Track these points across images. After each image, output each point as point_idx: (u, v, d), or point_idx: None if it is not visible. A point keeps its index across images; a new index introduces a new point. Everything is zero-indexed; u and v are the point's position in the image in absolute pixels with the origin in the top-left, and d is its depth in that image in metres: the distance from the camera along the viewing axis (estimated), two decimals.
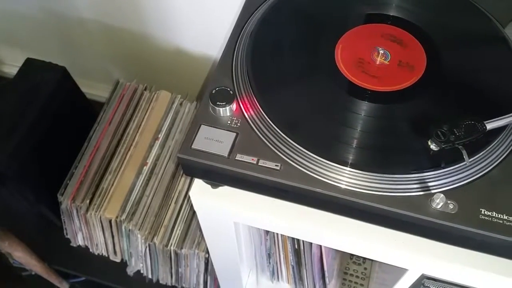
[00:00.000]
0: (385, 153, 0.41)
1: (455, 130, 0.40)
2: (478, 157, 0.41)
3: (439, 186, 0.40)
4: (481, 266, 0.43)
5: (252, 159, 0.42)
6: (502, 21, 0.50)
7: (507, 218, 0.38)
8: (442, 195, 0.39)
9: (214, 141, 0.43)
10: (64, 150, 0.89)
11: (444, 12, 0.51)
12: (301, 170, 0.41)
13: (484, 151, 0.41)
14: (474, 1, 0.52)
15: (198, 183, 0.49)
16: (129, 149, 0.85)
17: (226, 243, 0.60)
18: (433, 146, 0.40)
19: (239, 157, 0.42)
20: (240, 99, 0.45)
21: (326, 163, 0.41)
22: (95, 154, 0.86)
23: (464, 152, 0.39)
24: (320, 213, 0.45)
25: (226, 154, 0.42)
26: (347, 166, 0.40)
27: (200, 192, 0.48)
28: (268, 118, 0.43)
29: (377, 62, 0.47)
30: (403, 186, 0.40)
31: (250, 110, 0.44)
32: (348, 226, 0.45)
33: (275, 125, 0.43)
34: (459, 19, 0.51)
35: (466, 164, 0.40)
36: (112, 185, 0.83)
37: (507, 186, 0.40)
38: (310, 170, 0.41)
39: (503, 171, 0.41)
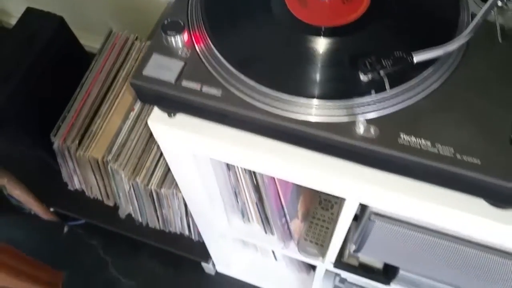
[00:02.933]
0: (317, 81, 0.44)
1: (383, 60, 0.42)
2: (405, 87, 0.43)
3: (364, 112, 0.43)
4: (418, 195, 0.46)
5: (197, 86, 0.45)
6: None
7: (425, 143, 0.41)
8: (364, 120, 0.42)
9: (164, 69, 0.46)
10: (59, 96, 0.94)
11: None
12: (240, 97, 0.44)
13: (412, 81, 0.43)
14: None
15: (156, 113, 0.53)
16: (117, 96, 0.90)
17: (191, 178, 0.65)
18: (362, 76, 0.43)
19: (185, 83, 0.45)
20: (192, 31, 0.48)
21: (261, 89, 0.44)
22: (86, 100, 0.91)
23: (386, 80, 0.41)
24: (266, 142, 0.48)
25: (173, 81, 0.45)
26: (280, 92, 0.43)
27: (158, 120, 0.52)
28: (215, 49, 0.46)
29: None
30: (332, 112, 0.43)
31: (200, 42, 0.47)
32: (291, 155, 0.48)
33: (220, 55, 0.46)
34: None
35: (388, 92, 0.42)
36: (101, 128, 0.88)
37: (430, 117, 0.42)
38: (249, 96, 0.44)
39: (430, 102, 0.43)
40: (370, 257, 0.73)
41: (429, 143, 0.41)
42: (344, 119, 0.43)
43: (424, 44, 0.43)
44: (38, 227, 1.23)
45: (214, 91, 0.45)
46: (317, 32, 0.47)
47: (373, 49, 0.45)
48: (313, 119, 0.43)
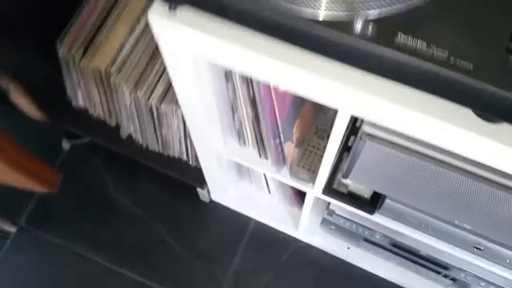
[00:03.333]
0: None
1: None
2: None
3: (364, 9, 0.42)
4: (408, 104, 0.46)
5: None
6: None
7: (421, 44, 0.40)
8: (363, 18, 0.41)
9: None
10: (67, 3, 0.94)
11: None
12: None
13: None
14: None
15: (157, 5, 0.52)
16: (125, 7, 0.89)
17: (189, 88, 0.65)
18: None
19: None
20: None
21: None
22: (95, 9, 0.90)
23: None
24: (265, 43, 0.48)
25: None
26: None
27: (158, 13, 0.52)
28: None
29: None
30: (332, 6, 0.42)
31: None
32: (289, 58, 0.48)
33: None
34: None
35: None
36: (107, 38, 0.88)
37: (430, 19, 0.42)
38: None
39: (433, 5, 0.42)
40: (358, 183, 0.74)
41: (424, 45, 0.40)
42: (344, 16, 0.42)
43: None
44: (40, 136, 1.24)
45: None
46: None
47: None
48: (312, 15, 0.42)
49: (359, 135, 0.59)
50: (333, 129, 0.58)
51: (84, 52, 0.88)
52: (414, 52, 0.40)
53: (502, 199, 0.56)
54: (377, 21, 0.42)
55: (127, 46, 0.87)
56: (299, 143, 0.81)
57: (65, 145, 1.27)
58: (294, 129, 0.76)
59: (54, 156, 1.26)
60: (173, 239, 1.18)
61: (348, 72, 0.46)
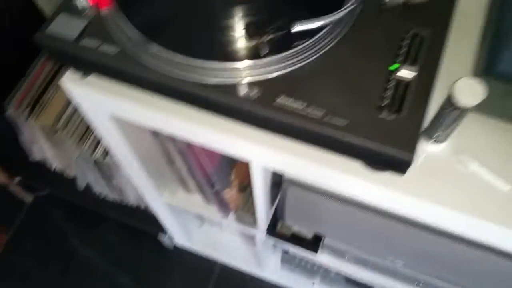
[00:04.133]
0: (204, 43, 0.46)
1: (267, 27, 0.44)
2: (288, 53, 0.45)
3: (248, 75, 0.45)
4: (307, 156, 0.48)
5: (95, 44, 0.47)
6: None
7: (301, 104, 0.43)
8: (244, 82, 0.44)
9: (67, 28, 0.48)
10: (17, 64, 0.96)
11: None
12: (133, 57, 0.46)
13: (295, 48, 0.45)
14: None
15: (70, 73, 0.55)
16: None
17: (119, 145, 0.67)
18: (247, 41, 0.45)
19: (84, 42, 0.48)
20: None
21: (153, 51, 0.46)
22: (42, 71, 0.93)
23: (264, 46, 0.43)
24: (167, 103, 0.51)
25: (73, 39, 0.48)
26: (170, 51, 0.45)
27: (69, 80, 0.54)
28: (117, 9, 0.48)
29: None
30: (217, 73, 0.45)
31: (104, 2, 0.49)
32: (191, 115, 0.51)
33: (121, 16, 0.48)
34: None
35: (270, 57, 0.44)
36: (53, 97, 0.91)
37: (311, 80, 0.44)
38: (140, 57, 0.46)
39: (313, 67, 0.45)
40: (295, 224, 0.75)
41: (304, 104, 0.43)
42: (229, 81, 0.45)
43: (315, 14, 0.45)
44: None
45: (111, 50, 0.47)
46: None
47: (262, 17, 0.47)
48: (201, 80, 0.45)
49: (283, 182, 0.61)
50: (252, 179, 0.60)
51: (32, 110, 0.90)
52: (293, 112, 0.43)
53: (411, 235, 0.57)
54: (260, 84, 0.44)
55: (72, 105, 0.89)
56: (243, 188, 0.83)
57: (27, 197, 1.28)
58: (233, 176, 0.78)
59: (16, 209, 1.26)
60: None
61: (255, 130, 0.49)
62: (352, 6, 0.46)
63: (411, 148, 0.40)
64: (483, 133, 0.48)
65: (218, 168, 0.71)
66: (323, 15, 0.45)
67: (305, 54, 0.45)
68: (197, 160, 0.66)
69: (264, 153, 0.51)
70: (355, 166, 0.47)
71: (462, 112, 0.41)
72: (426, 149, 0.48)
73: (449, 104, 0.41)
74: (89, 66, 0.49)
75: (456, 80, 0.40)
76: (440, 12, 0.48)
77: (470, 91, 0.40)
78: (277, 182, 0.69)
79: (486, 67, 0.44)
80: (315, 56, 0.46)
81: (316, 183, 0.55)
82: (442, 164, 0.47)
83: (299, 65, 0.45)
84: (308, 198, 0.61)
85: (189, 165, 0.71)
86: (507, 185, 0.45)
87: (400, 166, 0.42)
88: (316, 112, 0.42)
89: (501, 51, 0.42)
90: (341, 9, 0.45)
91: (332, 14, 0.45)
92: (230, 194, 0.79)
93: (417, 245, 0.59)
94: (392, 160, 0.42)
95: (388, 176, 0.46)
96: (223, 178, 0.74)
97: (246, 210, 0.83)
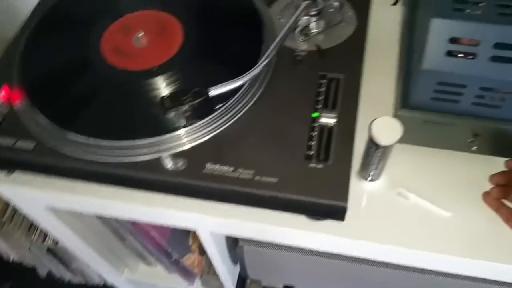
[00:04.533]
0: (125, 123, 0.46)
1: (183, 97, 0.44)
2: (208, 120, 0.44)
3: (171, 148, 0.44)
4: (249, 217, 0.47)
5: (10, 141, 0.46)
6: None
7: (228, 169, 0.42)
8: (168, 155, 0.43)
9: None
10: None
11: None
12: (52, 149, 0.45)
13: (215, 113, 0.45)
14: None
15: None
16: None
17: (61, 232, 0.64)
18: (165, 112, 0.44)
19: None
20: (11, 88, 0.49)
21: (71, 139, 0.44)
22: None
23: (183, 116, 0.43)
24: (102, 188, 0.49)
25: None
26: (88, 136, 0.44)
27: None
28: (30, 104, 0.47)
29: (136, 46, 0.51)
30: (140, 151, 0.44)
31: (17, 98, 0.48)
32: (124, 194, 0.49)
33: (34, 110, 0.46)
34: None
35: (191, 126, 0.44)
36: None
37: (235, 143, 0.44)
38: (58, 147, 0.45)
39: (235, 130, 0.44)
40: (262, 279, 0.73)
41: (231, 169, 0.42)
42: (153, 156, 0.44)
43: (228, 77, 0.45)
44: None
45: (27, 145, 0.45)
46: (125, 77, 0.48)
47: (179, 87, 0.46)
48: (125, 160, 0.44)
49: (238, 240, 0.60)
50: (204, 245, 0.58)
51: None
52: (222, 177, 0.42)
53: (370, 272, 0.56)
54: (185, 154, 0.43)
55: None
56: (204, 251, 0.80)
57: None
58: (190, 241, 0.75)
59: None
60: None
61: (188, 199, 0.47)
62: (265, 62, 0.46)
63: (343, 196, 0.40)
64: (412, 161, 0.48)
65: (171, 238, 0.68)
66: (239, 75, 0.45)
67: (226, 117, 0.45)
68: (147, 235, 0.64)
69: (206, 220, 0.49)
70: (298, 218, 0.46)
71: (386, 149, 0.42)
72: (365, 189, 0.48)
73: (371, 144, 0.41)
74: (8, 164, 0.47)
75: (372, 122, 0.40)
76: (352, 55, 0.49)
77: (388, 128, 0.40)
78: (234, 240, 0.67)
79: (402, 101, 0.45)
80: (237, 117, 0.46)
81: (266, 239, 0.53)
82: (383, 200, 0.47)
83: (222, 128, 0.45)
84: (265, 254, 0.60)
85: (141, 241, 0.68)
86: (447, 212, 0.45)
87: (337, 214, 0.41)
88: (245, 175, 0.42)
89: (410, 86, 0.43)
90: (254, 67, 0.46)
91: (246, 74, 0.45)
92: (192, 259, 0.76)
93: (380, 280, 0.58)
94: (328, 210, 0.41)
95: (331, 223, 0.45)
96: (180, 245, 0.72)
97: (212, 273, 0.80)
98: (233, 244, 0.67)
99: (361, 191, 0.47)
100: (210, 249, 0.59)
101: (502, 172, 0.44)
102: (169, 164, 0.43)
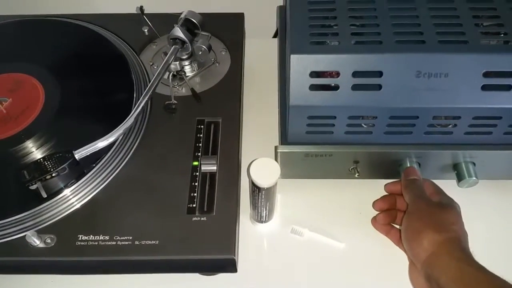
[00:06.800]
0: None
1: (45, 165, 0.39)
2: (82, 182, 0.41)
3: (37, 224, 0.39)
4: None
5: None
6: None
7: (103, 238, 0.38)
8: (34, 232, 0.38)
9: None
10: None
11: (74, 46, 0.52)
12: None
13: (83, 178, 0.41)
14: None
15: None
16: None
17: None
18: (27, 185, 0.40)
19: None
20: None
21: None
22: None
23: (40, 187, 0.39)
24: None
25: None
26: None
27: None
28: None
29: None
30: (2, 232, 0.39)
31: None
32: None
33: None
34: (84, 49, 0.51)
35: (57, 196, 0.40)
36: None
37: (109, 210, 0.40)
38: None
39: (108, 195, 0.41)
40: None
41: (107, 237, 0.38)
42: (19, 235, 0.39)
43: (101, 131, 0.42)
44: None
45: None
46: None
47: (50, 151, 0.42)
48: None
49: None
50: None
51: None
52: (97, 248, 0.38)
53: None
54: (53, 229, 0.39)
55: None
56: None
57: None
58: None
59: None
60: None
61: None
62: (137, 112, 0.43)
63: (230, 248, 0.38)
64: (303, 195, 0.48)
65: None
66: (113, 127, 0.42)
67: (99, 179, 0.42)
68: None
69: None
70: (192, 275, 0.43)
71: (269, 190, 0.40)
72: (259, 231, 0.46)
73: (254, 187, 0.40)
74: None
75: (250, 165, 0.39)
76: (228, 96, 0.48)
77: (267, 169, 0.39)
78: None
79: (281, 137, 0.44)
80: (112, 176, 0.42)
81: None
82: (279, 240, 0.45)
83: (94, 193, 0.41)
84: None
85: None
86: (341, 243, 0.44)
87: (227, 267, 0.39)
88: (123, 241, 0.38)
89: (286, 122, 0.43)
90: (125, 120, 0.43)
91: (116, 129, 0.42)
92: None
93: None
94: (217, 264, 0.38)
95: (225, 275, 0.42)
96: None
97: None
98: None
99: (256, 235, 0.46)
100: None
101: (383, 197, 0.45)
102: (36, 241, 0.38)
